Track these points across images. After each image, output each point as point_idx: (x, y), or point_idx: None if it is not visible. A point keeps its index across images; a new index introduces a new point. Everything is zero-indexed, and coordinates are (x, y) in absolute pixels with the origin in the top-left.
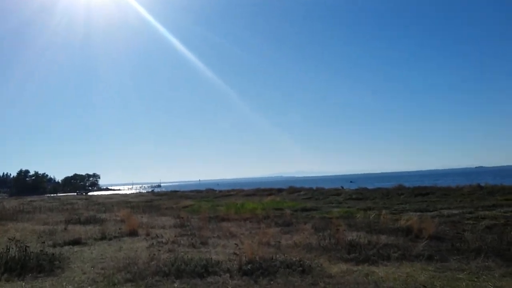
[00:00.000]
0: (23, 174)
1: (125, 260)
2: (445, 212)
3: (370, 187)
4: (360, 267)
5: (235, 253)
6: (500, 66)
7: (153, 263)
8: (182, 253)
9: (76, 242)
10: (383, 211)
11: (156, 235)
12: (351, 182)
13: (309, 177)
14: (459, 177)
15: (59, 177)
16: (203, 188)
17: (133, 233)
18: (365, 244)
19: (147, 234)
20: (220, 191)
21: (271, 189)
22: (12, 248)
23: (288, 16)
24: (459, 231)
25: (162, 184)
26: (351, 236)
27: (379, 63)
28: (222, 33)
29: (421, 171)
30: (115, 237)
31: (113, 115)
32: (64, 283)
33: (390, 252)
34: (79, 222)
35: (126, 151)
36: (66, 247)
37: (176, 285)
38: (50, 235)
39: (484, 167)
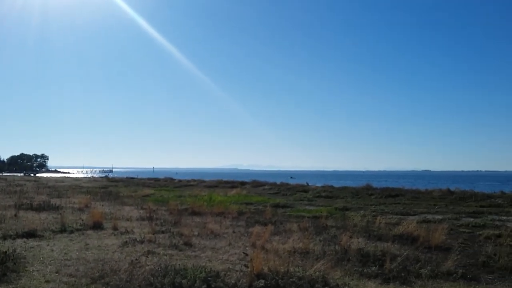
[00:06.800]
0: None
1: (98, 264)
2: (430, 217)
3: (318, 184)
4: None
5: (244, 265)
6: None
7: (137, 271)
8: (166, 257)
9: (31, 234)
10: (362, 212)
11: (126, 230)
12: (291, 178)
13: (260, 171)
14: (409, 179)
15: (4, 156)
16: (157, 176)
17: (97, 226)
18: (378, 254)
19: (115, 228)
20: (180, 181)
21: (233, 182)
22: None
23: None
24: (462, 241)
25: (114, 170)
26: (352, 242)
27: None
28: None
29: (368, 171)
30: (77, 229)
31: (64, 94)
32: None
33: (416, 267)
34: (31, 208)
35: (76, 133)
36: (19, 241)
37: None
38: None
39: (430, 171)
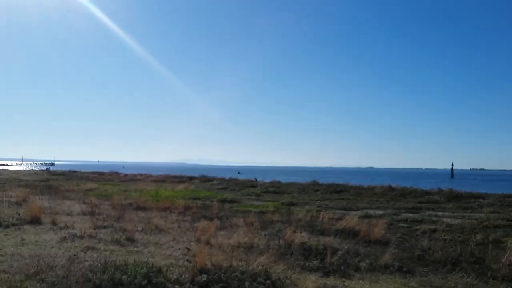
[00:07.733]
0: None
1: (34, 260)
2: (371, 212)
3: (266, 179)
4: (334, 281)
5: (187, 260)
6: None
7: (75, 267)
8: (107, 252)
9: None
10: (307, 207)
11: (66, 225)
12: (238, 173)
13: (210, 166)
14: (354, 175)
15: None
16: (102, 170)
17: (35, 221)
18: (320, 248)
19: (54, 223)
20: (126, 175)
21: (181, 176)
22: None
23: None
24: (400, 236)
25: (56, 163)
26: (295, 236)
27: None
28: None
29: (315, 167)
30: (13, 224)
31: (1, 82)
32: None
33: (356, 260)
34: None
35: (15, 123)
36: None
37: None
38: None
39: (374, 168)
